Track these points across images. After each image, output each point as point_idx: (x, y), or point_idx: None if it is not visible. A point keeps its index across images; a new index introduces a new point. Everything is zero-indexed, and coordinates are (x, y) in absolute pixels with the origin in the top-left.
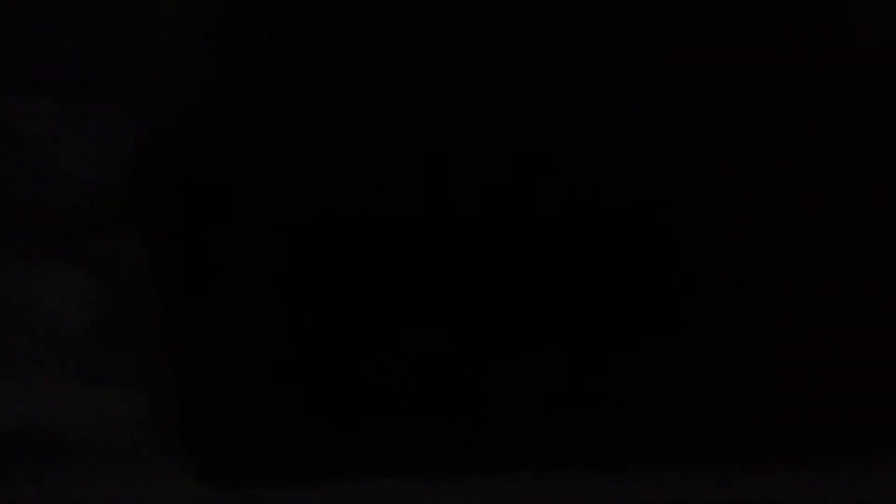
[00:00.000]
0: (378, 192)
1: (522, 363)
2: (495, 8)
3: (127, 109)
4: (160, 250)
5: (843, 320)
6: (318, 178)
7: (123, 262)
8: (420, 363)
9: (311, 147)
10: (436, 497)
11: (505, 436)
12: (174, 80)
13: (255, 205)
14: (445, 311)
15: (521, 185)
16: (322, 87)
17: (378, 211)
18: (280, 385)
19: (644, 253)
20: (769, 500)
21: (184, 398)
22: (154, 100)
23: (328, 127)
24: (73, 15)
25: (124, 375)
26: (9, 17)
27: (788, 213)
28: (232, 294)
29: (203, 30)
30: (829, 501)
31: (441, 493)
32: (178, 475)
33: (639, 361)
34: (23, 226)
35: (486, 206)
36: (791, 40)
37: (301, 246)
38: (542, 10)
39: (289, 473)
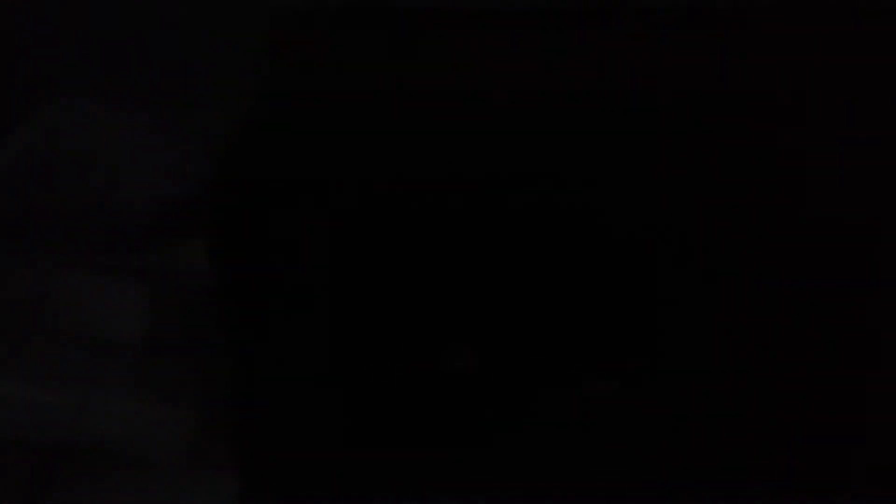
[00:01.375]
0: (420, 216)
1: (566, 387)
2: None
3: (188, 121)
4: (218, 264)
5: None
6: (374, 200)
7: (179, 274)
8: (464, 386)
9: (367, 166)
10: None
11: (547, 461)
12: (239, 92)
13: (315, 222)
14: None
15: (560, 207)
16: (393, 100)
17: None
18: (329, 406)
19: (698, 283)
20: None
21: (232, 415)
22: (218, 111)
23: (383, 150)
24: (137, 24)
25: (175, 390)
26: (74, 26)
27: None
28: (286, 311)
29: (265, 44)
30: None
31: None
32: (225, 491)
33: (685, 386)
34: (77, 238)
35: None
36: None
37: (356, 266)
38: None
39: (333, 495)
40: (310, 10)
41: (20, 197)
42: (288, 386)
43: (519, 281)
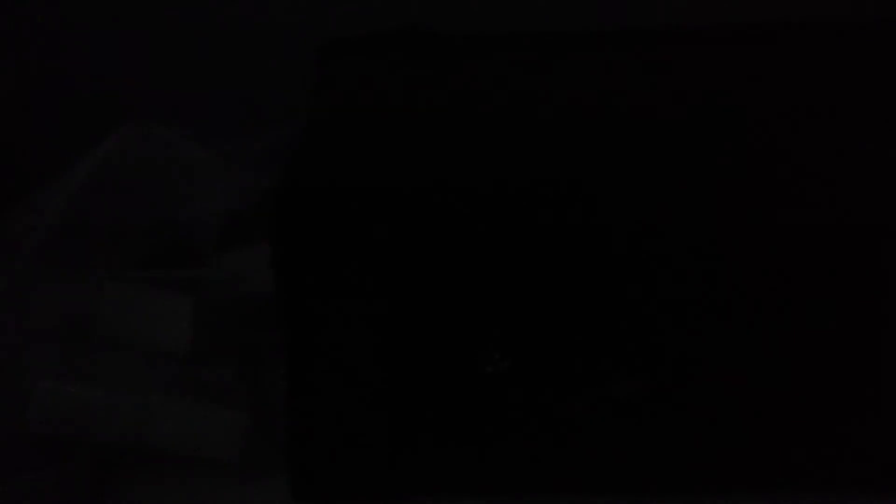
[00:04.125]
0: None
1: (601, 386)
2: None
3: (249, 140)
4: (278, 271)
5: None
6: (425, 209)
7: (221, 285)
8: (503, 386)
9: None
10: None
11: (589, 457)
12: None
13: (370, 231)
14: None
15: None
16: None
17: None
18: (376, 407)
19: (719, 285)
20: None
21: (283, 417)
22: (277, 129)
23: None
24: (198, 51)
25: (226, 393)
26: (143, 59)
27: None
28: (339, 317)
29: (316, 65)
30: None
31: None
32: (277, 493)
33: (722, 385)
34: (136, 253)
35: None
36: None
37: (407, 276)
38: None
39: (382, 494)
40: (356, 35)
41: (87, 217)
42: (337, 390)
43: (547, 290)
